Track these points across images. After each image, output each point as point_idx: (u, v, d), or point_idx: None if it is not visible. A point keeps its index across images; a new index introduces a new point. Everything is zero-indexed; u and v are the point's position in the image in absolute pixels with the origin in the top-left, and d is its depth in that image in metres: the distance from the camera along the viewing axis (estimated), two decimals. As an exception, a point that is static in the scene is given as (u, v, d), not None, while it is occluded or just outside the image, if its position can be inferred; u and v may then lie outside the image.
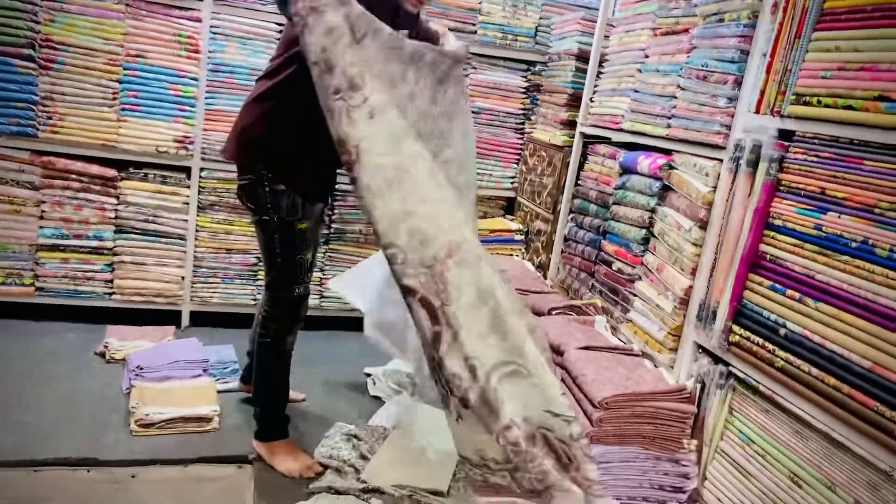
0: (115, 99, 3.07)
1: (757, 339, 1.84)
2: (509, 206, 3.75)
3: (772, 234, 1.85)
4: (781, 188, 1.84)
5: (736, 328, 1.93)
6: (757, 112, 1.94)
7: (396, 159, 1.83)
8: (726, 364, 1.98)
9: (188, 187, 3.21)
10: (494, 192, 3.69)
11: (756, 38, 1.98)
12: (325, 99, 1.81)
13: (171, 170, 3.20)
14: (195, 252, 3.28)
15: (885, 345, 1.49)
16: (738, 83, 2.04)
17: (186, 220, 3.23)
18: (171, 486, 2.18)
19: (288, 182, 2.13)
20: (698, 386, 2.07)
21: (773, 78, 1.89)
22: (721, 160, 2.08)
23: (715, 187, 2.09)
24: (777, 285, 1.81)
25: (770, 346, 1.79)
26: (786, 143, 1.83)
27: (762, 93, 1.92)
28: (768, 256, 1.85)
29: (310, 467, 2.24)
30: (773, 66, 1.89)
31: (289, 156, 2.14)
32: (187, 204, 3.22)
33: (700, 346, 2.11)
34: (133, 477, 2.17)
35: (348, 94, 1.80)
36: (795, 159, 1.79)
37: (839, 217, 1.66)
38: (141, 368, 2.64)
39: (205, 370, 2.73)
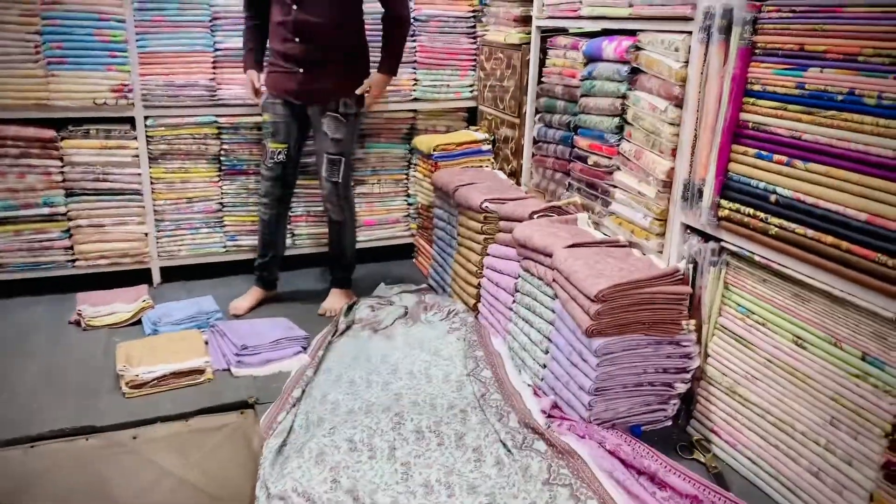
0: (38, 53, 2.84)
1: (747, 209, 1.82)
2: (471, 117, 3.64)
3: (752, 100, 1.80)
4: (757, 51, 1.78)
5: (724, 202, 1.90)
6: (725, -26, 1.85)
7: None
8: (717, 240, 1.96)
9: (135, 139, 3.03)
10: (454, 104, 3.57)
11: None
12: None
13: (113, 122, 3.01)
14: (154, 206, 3.14)
15: (881, 195, 1.48)
16: (700, -53, 1.94)
17: (139, 174, 3.08)
18: (175, 440, 2.13)
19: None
20: (691, 266, 2.06)
21: (738, -65, 1.79)
22: (690, 32, 2.00)
23: (687, 62, 2.02)
24: (763, 152, 1.77)
25: (762, 215, 1.77)
26: (758, 3, 1.75)
27: (728, -47, 1.83)
28: (750, 124, 1.81)
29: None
30: (737, -78, 1.79)
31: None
32: (137, 157, 3.06)
33: (688, 227, 2.09)
34: (135, 438, 2.11)
35: None
36: (770, 18, 1.72)
37: (821, 71, 1.61)
38: (245, 348, 2.50)
39: (304, 347, 2.59)
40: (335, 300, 3.00)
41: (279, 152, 2.85)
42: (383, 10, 2.84)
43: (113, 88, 2.94)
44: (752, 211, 1.81)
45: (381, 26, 2.89)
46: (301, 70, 2.71)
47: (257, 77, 2.88)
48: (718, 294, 1.99)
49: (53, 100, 2.89)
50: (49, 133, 2.92)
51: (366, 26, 2.88)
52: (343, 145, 2.83)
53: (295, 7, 2.63)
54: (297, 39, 2.67)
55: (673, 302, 2.02)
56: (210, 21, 3.04)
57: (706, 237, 2.02)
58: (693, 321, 2.05)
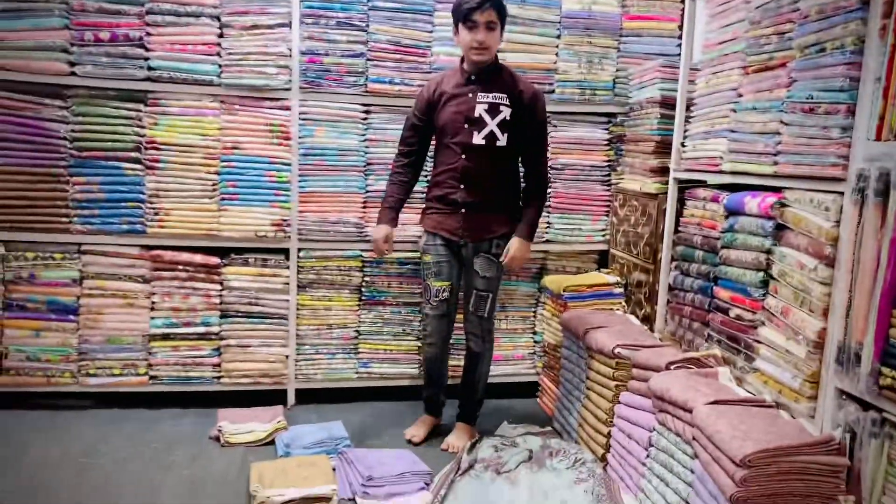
0: (214, 190, 3.21)
1: (914, 380, 1.70)
2: (602, 260, 3.68)
3: (914, 265, 1.73)
4: (919, 216, 1.72)
5: (886, 370, 1.78)
6: (878, 139, 1.84)
7: None
8: (879, 410, 1.82)
9: (287, 268, 3.29)
10: (586, 247, 3.63)
11: (865, 63, 1.90)
12: None
13: (270, 252, 3.30)
14: (297, 330, 3.34)
15: None
16: (851, 111, 1.94)
17: (287, 300, 3.31)
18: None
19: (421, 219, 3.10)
20: (847, 436, 1.91)
21: (892, 102, 1.80)
22: (841, 193, 1.97)
23: (838, 222, 1.98)
24: (930, 320, 1.67)
25: (931, 388, 1.65)
26: (918, 170, 1.72)
27: (881, 118, 1.83)
28: (914, 290, 1.72)
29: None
30: (891, 90, 1.80)
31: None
32: (287, 284, 3.30)
33: (844, 392, 1.96)
34: (263, 561, 2.16)
35: None
36: (932, 184, 1.68)
37: None
38: (371, 479, 2.54)
39: (427, 483, 2.61)
40: (459, 436, 3.00)
41: (444, 290, 2.98)
42: (525, 167, 3.00)
43: (274, 223, 3.25)
44: (919, 382, 1.68)
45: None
46: (463, 210, 2.90)
47: (391, 235, 3.00)
48: (881, 470, 1.82)
49: (222, 231, 3.22)
50: (214, 260, 3.23)
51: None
52: (492, 283, 2.95)
53: (463, 156, 2.86)
54: (462, 186, 2.89)
55: (828, 474, 1.86)
56: (364, 166, 3.34)
57: (865, 405, 1.88)
58: (852, 497, 1.87)
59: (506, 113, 2.83)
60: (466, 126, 2.85)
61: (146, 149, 3.14)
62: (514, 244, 2.91)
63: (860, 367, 1.86)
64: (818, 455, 1.87)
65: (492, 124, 2.83)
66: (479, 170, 2.87)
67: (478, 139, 2.84)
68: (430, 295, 3.00)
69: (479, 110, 2.82)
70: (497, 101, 2.83)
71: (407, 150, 3.04)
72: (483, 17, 2.73)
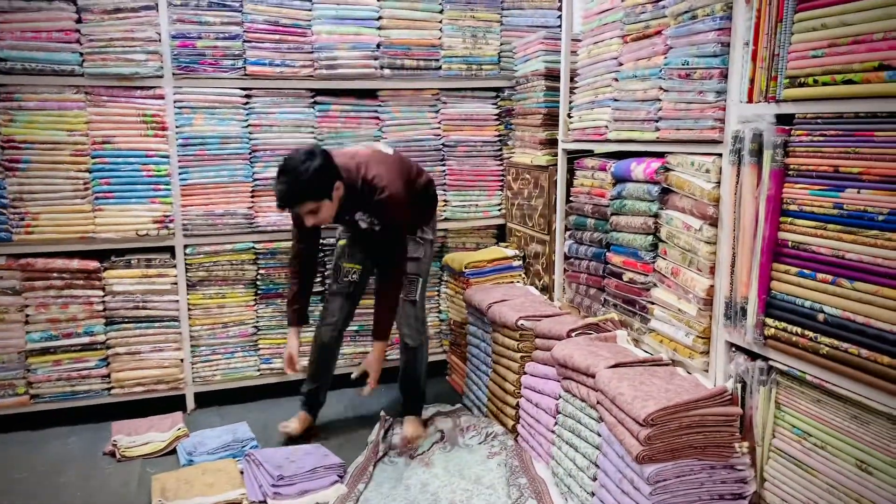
0: (87, 189, 2.98)
1: (795, 328, 1.79)
2: (500, 234, 3.70)
3: (789, 220, 1.82)
4: (791, 172, 1.81)
5: (769, 321, 1.88)
6: (749, 101, 1.93)
7: None
8: (765, 359, 1.93)
9: (174, 267, 3.11)
10: (483, 222, 3.65)
11: (735, 28, 1.97)
12: None
13: (154, 252, 3.11)
14: (191, 331, 3.17)
15: (936, 314, 1.45)
16: (724, 76, 2.02)
17: (177, 301, 3.13)
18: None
19: None
20: (739, 386, 2.01)
21: (761, 65, 1.87)
22: (719, 154, 2.05)
23: (718, 182, 2.06)
24: (805, 271, 1.77)
25: (810, 334, 1.74)
26: (787, 128, 1.81)
27: (752, 81, 1.91)
28: (790, 243, 1.81)
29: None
30: (759, 54, 1.88)
31: None
32: (175, 284, 3.12)
33: (733, 345, 2.05)
34: (170, 581, 2.04)
35: None
36: (801, 142, 1.77)
37: (859, 192, 1.63)
38: (282, 478, 2.43)
39: (340, 476, 2.52)
40: (413, 428, 2.87)
41: (354, 272, 2.89)
42: (378, 264, 2.83)
43: (155, 220, 3.06)
44: (799, 330, 1.78)
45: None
46: None
47: (297, 345, 2.82)
48: (770, 415, 1.93)
49: (99, 232, 3.00)
50: (93, 264, 3.01)
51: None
52: (420, 265, 2.87)
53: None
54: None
55: (723, 424, 1.95)
56: (250, 154, 3.19)
57: (753, 356, 1.98)
58: (746, 443, 1.98)
59: (374, 221, 2.71)
60: (351, 226, 2.80)
61: (3, 148, 2.86)
62: (370, 357, 2.73)
63: (746, 320, 1.95)
64: (713, 407, 1.95)
65: (368, 222, 2.73)
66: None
67: (364, 226, 2.75)
68: (340, 275, 2.91)
69: (357, 219, 2.72)
70: (364, 216, 2.70)
71: (297, 250, 2.86)
72: (301, 209, 2.52)
